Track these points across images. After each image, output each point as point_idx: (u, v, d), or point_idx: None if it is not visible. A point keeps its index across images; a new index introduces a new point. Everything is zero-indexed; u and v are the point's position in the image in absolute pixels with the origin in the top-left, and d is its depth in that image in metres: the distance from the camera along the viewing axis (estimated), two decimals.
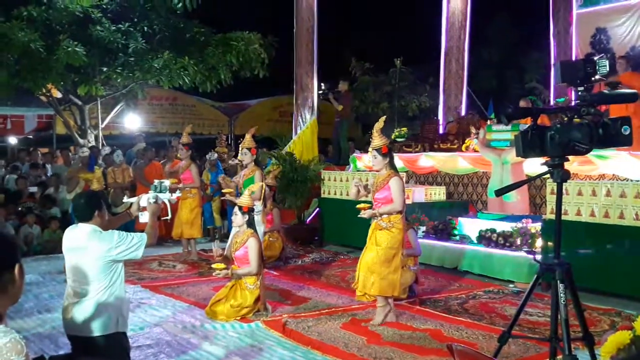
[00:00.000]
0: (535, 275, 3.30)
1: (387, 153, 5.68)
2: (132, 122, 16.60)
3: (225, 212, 10.73)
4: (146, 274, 8.05)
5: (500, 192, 3.17)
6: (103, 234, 3.89)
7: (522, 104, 10.00)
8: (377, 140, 5.68)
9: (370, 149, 5.75)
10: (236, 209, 6.15)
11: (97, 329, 3.80)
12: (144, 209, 4.35)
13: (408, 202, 9.13)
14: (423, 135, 11.51)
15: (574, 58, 12.42)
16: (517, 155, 3.06)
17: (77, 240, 3.90)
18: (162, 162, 11.34)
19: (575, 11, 13.12)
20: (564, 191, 6.95)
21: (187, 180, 8.86)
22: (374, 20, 21.74)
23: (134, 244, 3.89)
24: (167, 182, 4.53)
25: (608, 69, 2.90)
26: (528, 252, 7.31)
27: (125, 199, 5.21)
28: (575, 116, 2.94)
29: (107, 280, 3.85)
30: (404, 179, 9.43)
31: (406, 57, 17.73)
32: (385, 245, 5.63)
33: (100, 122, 13.57)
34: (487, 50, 20.72)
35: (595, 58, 2.95)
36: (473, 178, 9.95)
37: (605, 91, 2.97)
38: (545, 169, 3.12)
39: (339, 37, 18.69)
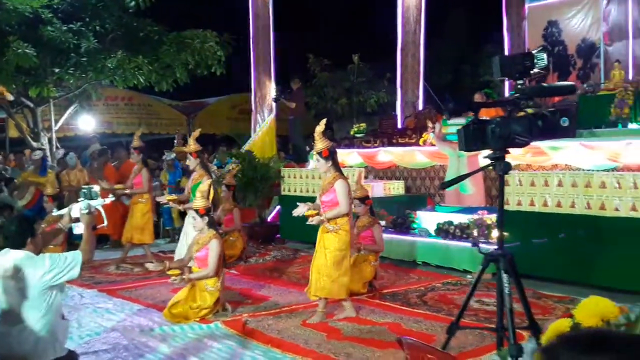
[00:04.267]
0: (481, 267, 3.36)
1: (327, 156, 5.69)
2: (87, 123, 16.24)
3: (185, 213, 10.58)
4: (103, 277, 7.91)
5: (444, 186, 3.21)
6: (35, 260, 3.64)
7: (477, 97, 10.14)
8: (318, 143, 5.71)
9: (314, 152, 5.83)
10: (194, 213, 6.10)
11: (33, 359, 3.60)
12: (77, 219, 4.07)
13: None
14: (381, 131, 11.59)
15: (527, 51, 12.64)
16: (460, 149, 3.11)
17: (8, 267, 3.61)
18: (113, 164, 11.11)
19: (527, 5, 13.39)
20: (517, 182, 7.16)
21: (138, 185, 8.42)
22: (330, 16, 21.74)
23: (68, 265, 3.65)
24: (96, 188, 4.24)
25: (546, 62, 2.96)
26: (473, 244, 7.38)
27: (55, 212, 4.84)
28: (516, 109, 2.99)
29: (42, 308, 3.63)
30: (363, 174, 9.56)
31: (364, 53, 17.80)
32: (334, 248, 5.68)
33: (53, 124, 13.22)
34: (443, 45, 20.91)
35: (534, 52, 3.00)
36: (430, 172, 10.07)
37: (544, 84, 3.03)
38: (488, 161, 3.17)
39: (295, 35, 18.63)
